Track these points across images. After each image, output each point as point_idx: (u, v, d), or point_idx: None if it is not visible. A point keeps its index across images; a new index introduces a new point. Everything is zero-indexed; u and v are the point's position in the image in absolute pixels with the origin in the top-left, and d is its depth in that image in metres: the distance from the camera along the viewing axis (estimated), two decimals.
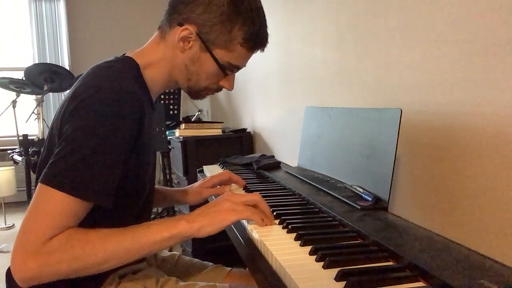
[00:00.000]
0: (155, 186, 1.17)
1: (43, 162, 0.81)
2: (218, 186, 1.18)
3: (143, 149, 0.85)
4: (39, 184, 0.70)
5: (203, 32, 0.85)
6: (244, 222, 0.89)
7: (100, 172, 0.71)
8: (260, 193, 1.07)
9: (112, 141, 0.73)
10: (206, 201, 1.21)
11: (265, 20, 0.91)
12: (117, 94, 0.74)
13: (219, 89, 0.96)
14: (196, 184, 1.19)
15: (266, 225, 0.82)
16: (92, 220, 0.73)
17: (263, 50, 0.93)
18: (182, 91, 2.66)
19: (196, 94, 0.95)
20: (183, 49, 0.87)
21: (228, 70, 0.91)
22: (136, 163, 0.83)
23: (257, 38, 0.89)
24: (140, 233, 0.72)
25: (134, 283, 0.85)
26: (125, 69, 0.83)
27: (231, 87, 0.95)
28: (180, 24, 0.85)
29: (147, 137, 0.87)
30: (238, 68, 0.92)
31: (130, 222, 0.75)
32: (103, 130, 0.72)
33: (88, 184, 0.70)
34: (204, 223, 0.75)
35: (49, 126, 0.86)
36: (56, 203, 0.68)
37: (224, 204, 0.78)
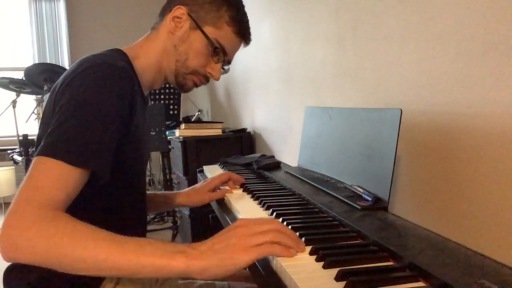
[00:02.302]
0: (156, 192, 1.18)
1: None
2: (220, 188, 1.18)
3: (135, 137, 0.86)
4: (34, 158, 0.68)
5: (193, 11, 0.92)
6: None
7: (95, 139, 0.70)
8: (260, 193, 1.09)
9: (105, 110, 0.73)
10: (209, 205, 1.21)
11: (247, 16, 0.98)
12: (109, 68, 0.77)
13: (206, 77, 0.97)
14: (197, 186, 1.18)
15: (297, 252, 0.66)
16: (87, 200, 0.71)
17: (247, 43, 0.99)
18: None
19: (183, 79, 0.96)
20: (174, 29, 0.92)
21: (216, 50, 0.93)
22: (130, 148, 0.84)
23: (242, 24, 0.95)
24: (129, 245, 0.61)
25: (133, 281, 0.85)
26: (116, 55, 0.87)
27: (217, 75, 0.96)
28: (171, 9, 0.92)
29: (140, 127, 0.88)
30: (225, 52, 0.94)
31: (125, 210, 0.75)
32: (95, 99, 0.73)
33: (82, 150, 0.68)
34: (212, 264, 0.60)
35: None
36: (51, 171, 0.66)
37: (238, 239, 0.62)
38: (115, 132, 0.75)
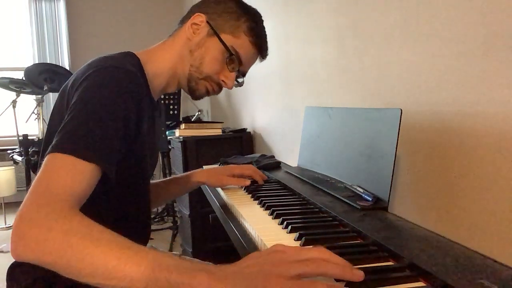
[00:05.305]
0: (165, 179, 1.20)
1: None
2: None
3: (142, 140, 0.86)
4: (46, 156, 0.67)
5: (212, 19, 0.94)
6: (242, 220, 0.89)
7: (100, 135, 0.71)
8: (260, 193, 1.09)
9: (112, 110, 0.74)
10: (209, 204, 1.21)
11: (265, 31, 1.01)
12: (116, 71, 0.78)
13: (219, 85, 0.98)
14: (217, 168, 1.21)
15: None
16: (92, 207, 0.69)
17: (264, 57, 1.01)
18: (182, 91, 2.66)
19: (196, 85, 0.96)
20: (192, 36, 0.94)
21: (232, 57, 0.93)
22: (136, 150, 0.85)
23: (260, 36, 0.97)
24: (148, 256, 0.55)
25: None
26: (126, 58, 0.87)
27: (230, 84, 0.97)
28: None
29: (147, 130, 0.89)
30: (240, 61, 0.95)
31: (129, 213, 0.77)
32: (103, 99, 0.74)
33: (88, 145, 0.69)
34: None
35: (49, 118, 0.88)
36: (64, 166, 0.65)
37: (272, 266, 0.51)
38: (120, 130, 0.76)
